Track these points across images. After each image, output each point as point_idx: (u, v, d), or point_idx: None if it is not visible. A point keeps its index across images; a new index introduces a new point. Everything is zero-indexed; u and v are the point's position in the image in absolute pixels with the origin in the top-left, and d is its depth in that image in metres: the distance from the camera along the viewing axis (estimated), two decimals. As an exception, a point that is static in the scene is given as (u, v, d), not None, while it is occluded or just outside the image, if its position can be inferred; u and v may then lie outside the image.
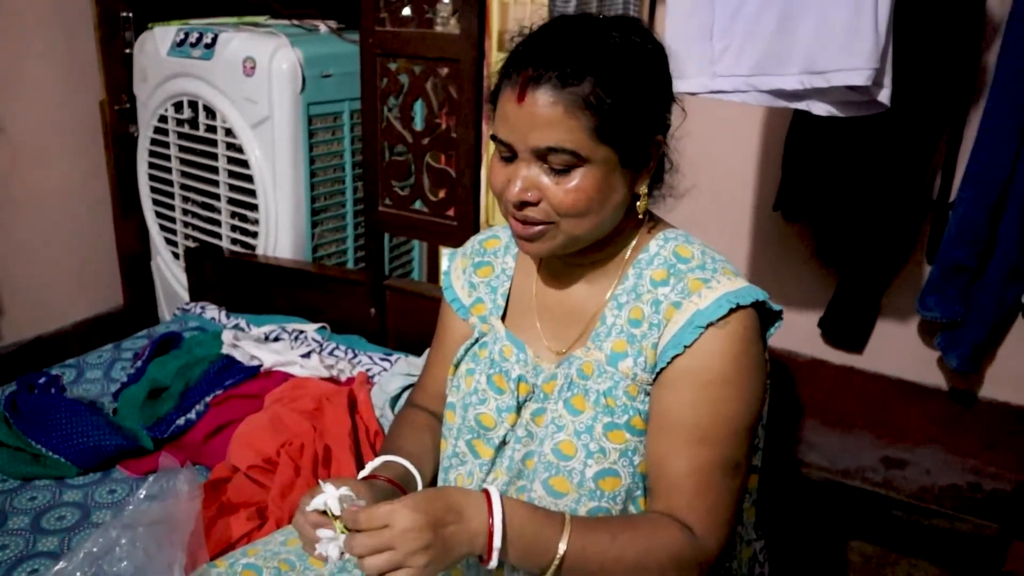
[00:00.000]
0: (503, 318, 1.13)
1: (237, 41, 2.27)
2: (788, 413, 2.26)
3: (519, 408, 1.05)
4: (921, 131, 1.82)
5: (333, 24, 2.46)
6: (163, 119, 2.48)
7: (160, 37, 2.45)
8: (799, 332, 2.16)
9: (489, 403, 1.06)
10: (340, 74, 2.31)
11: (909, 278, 2.00)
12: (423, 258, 2.75)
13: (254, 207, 2.34)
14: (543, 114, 0.90)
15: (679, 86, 1.51)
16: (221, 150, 2.35)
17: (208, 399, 1.73)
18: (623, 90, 0.91)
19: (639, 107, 0.93)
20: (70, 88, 2.68)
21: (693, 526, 0.92)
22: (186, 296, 2.48)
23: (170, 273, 2.68)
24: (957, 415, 2.05)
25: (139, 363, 1.90)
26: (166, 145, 2.51)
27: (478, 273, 1.17)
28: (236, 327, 2.11)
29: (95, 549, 1.10)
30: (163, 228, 2.66)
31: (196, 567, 1.09)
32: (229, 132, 2.31)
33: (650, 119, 0.96)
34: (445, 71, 1.84)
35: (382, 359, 1.96)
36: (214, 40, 2.31)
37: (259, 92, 2.23)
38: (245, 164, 2.31)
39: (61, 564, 1.09)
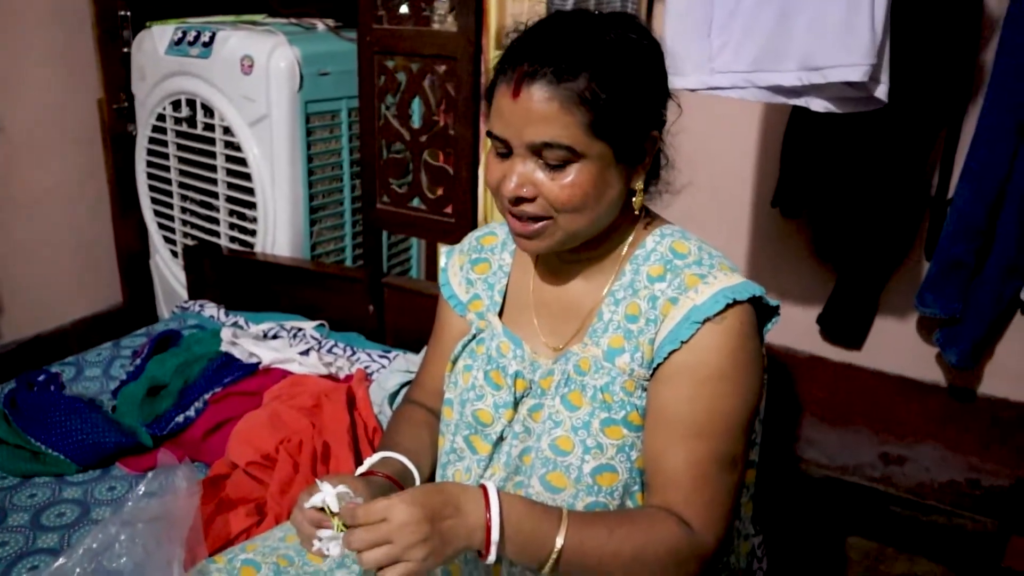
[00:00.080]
0: (500, 314, 1.13)
1: (235, 39, 2.27)
2: (787, 410, 2.27)
3: (516, 404, 1.06)
4: (919, 128, 1.82)
5: (331, 22, 2.46)
6: (161, 118, 2.49)
7: (158, 36, 2.45)
8: (798, 329, 2.16)
9: (486, 399, 1.07)
10: (338, 72, 2.31)
11: (907, 275, 2.00)
12: (421, 256, 2.75)
13: (252, 205, 2.34)
14: (538, 110, 0.90)
15: (678, 82, 1.52)
16: (219, 148, 2.35)
17: (207, 396, 1.73)
18: (618, 86, 0.91)
19: (634, 103, 0.93)
20: (68, 87, 2.68)
21: (690, 521, 0.93)
22: (185, 294, 2.48)
23: (169, 271, 2.68)
24: (956, 411, 2.05)
25: (138, 361, 1.91)
26: (164, 144, 2.51)
27: (475, 270, 1.18)
28: (235, 325, 2.12)
29: (95, 545, 1.10)
30: (162, 226, 2.66)
31: (195, 563, 1.09)
32: (227, 130, 2.32)
33: (645, 115, 0.96)
34: (443, 69, 1.84)
35: (380, 356, 1.96)
36: (212, 39, 2.31)
37: (257, 90, 2.23)
38: (243, 162, 2.31)
39: (61, 560, 1.09)
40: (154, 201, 2.64)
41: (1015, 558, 1.93)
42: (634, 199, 1.00)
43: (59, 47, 2.63)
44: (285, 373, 1.82)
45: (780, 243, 2.13)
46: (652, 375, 0.98)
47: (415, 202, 2.01)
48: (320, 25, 2.43)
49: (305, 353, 1.91)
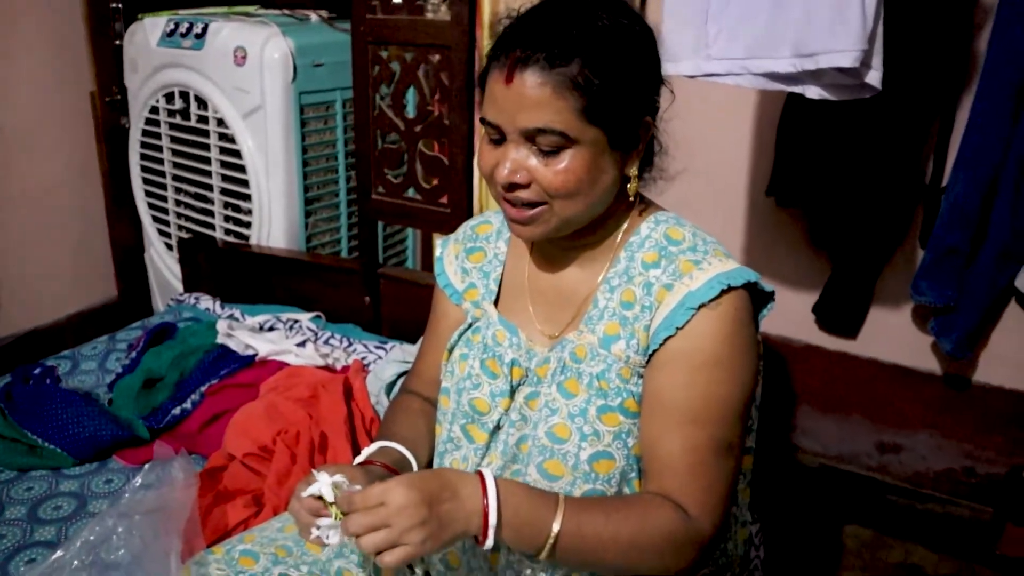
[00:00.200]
0: (496, 303, 1.13)
1: (228, 31, 2.26)
2: (783, 399, 2.27)
3: (513, 392, 1.06)
4: (913, 116, 1.83)
5: (324, 13, 2.45)
6: (154, 110, 2.48)
7: (150, 27, 2.44)
8: (793, 318, 2.17)
9: (483, 388, 1.07)
10: (331, 63, 2.30)
11: (902, 263, 2.00)
12: (417, 246, 2.74)
13: (247, 197, 2.33)
14: (531, 95, 0.90)
15: (675, 69, 1.52)
16: (213, 140, 2.34)
17: (203, 388, 1.73)
18: (611, 71, 0.91)
19: (627, 88, 0.93)
20: (60, 80, 2.67)
21: (687, 506, 0.93)
22: (180, 287, 2.47)
23: (163, 264, 2.67)
24: (951, 400, 2.06)
25: (134, 354, 1.90)
26: (158, 136, 2.50)
27: (471, 259, 1.17)
28: (231, 317, 2.11)
29: (92, 538, 1.10)
30: (156, 219, 2.65)
31: (193, 554, 1.09)
32: (221, 122, 2.31)
33: (638, 100, 0.96)
34: (437, 58, 1.84)
35: (377, 347, 1.96)
36: (204, 30, 2.30)
37: (250, 82, 2.22)
38: (237, 154, 2.30)
39: (58, 553, 1.09)
40: (148, 194, 2.63)
41: (1010, 545, 1.94)
42: (629, 185, 1.00)
43: (50, 40, 2.62)
44: (282, 365, 1.82)
45: (775, 232, 2.14)
46: (648, 362, 0.98)
47: (410, 192, 2.00)
48: (313, 16, 2.42)
49: (301, 345, 1.91)
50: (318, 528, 0.90)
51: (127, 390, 1.76)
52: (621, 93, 0.92)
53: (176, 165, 2.49)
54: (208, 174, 2.40)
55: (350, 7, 1.92)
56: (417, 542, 0.83)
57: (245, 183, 2.32)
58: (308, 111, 2.30)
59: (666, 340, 0.96)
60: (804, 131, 1.91)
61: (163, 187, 2.56)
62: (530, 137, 0.92)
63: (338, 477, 0.91)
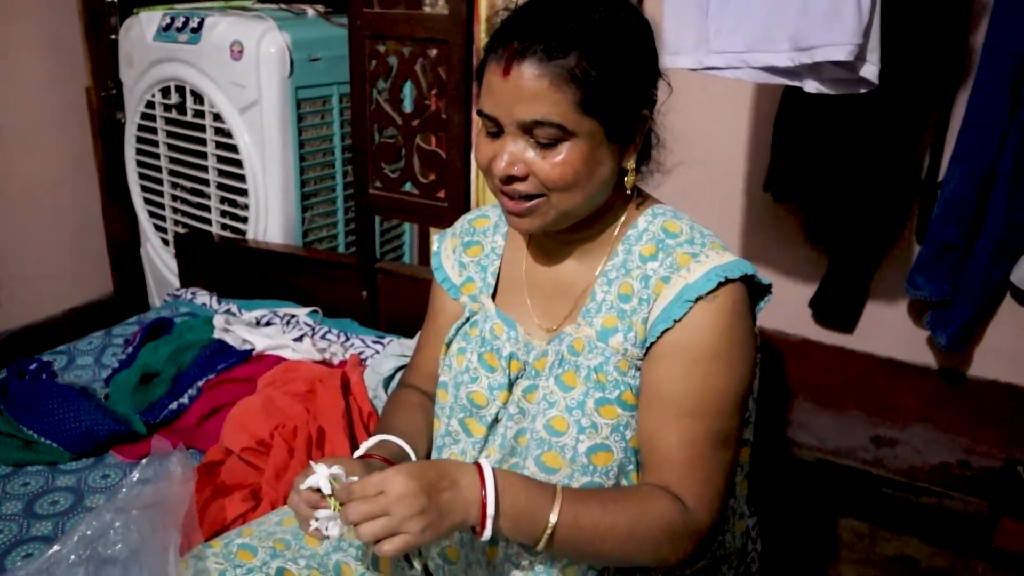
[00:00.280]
0: (494, 297, 1.13)
1: (224, 25, 2.25)
2: (779, 393, 2.28)
3: (511, 386, 1.06)
4: (909, 111, 1.83)
5: (320, 7, 2.45)
6: (150, 105, 2.47)
7: (146, 22, 2.43)
8: (790, 313, 2.17)
9: (481, 381, 1.07)
10: (328, 58, 2.29)
11: (898, 258, 2.01)
12: (414, 241, 2.74)
13: (244, 192, 2.33)
14: (529, 87, 0.90)
15: (677, 62, 1.53)
16: (209, 135, 2.34)
17: (200, 383, 1.72)
18: (608, 63, 0.91)
19: (624, 80, 0.93)
20: (55, 75, 2.66)
21: (685, 498, 0.93)
22: (176, 282, 2.47)
23: (160, 259, 2.67)
24: (947, 393, 2.07)
25: (130, 349, 1.90)
26: (154, 131, 2.49)
27: (468, 253, 1.17)
28: (227, 312, 2.11)
29: (89, 532, 1.10)
30: (152, 215, 2.64)
31: (191, 548, 1.09)
32: (217, 117, 2.30)
33: (636, 93, 0.96)
34: (434, 52, 1.83)
35: (374, 342, 1.96)
36: (200, 24, 2.29)
37: (247, 76, 2.21)
38: (234, 149, 2.30)
39: (55, 548, 1.09)
40: (144, 189, 2.63)
41: (1005, 538, 1.95)
42: (626, 178, 1.00)
43: (45, 35, 2.61)
44: (279, 359, 1.82)
45: (772, 226, 2.14)
46: (645, 354, 0.99)
47: (407, 187, 2.00)
48: (310, 10, 2.42)
49: (299, 339, 1.91)
50: (317, 520, 0.90)
51: (124, 385, 1.76)
52: (618, 86, 0.92)
53: (172, 160, 2.48)
54: (204, 169, 2.39)
55: (347, 1, 1.92)
56: (416, 531, 0.83)
57: (241, 178, 2.31)
58: (305, 106, 2.29)
59: (664, 333, 0.96)
60: (801, 126, 1.91)
61: (159, 182, 2.55)
62: (527, 129, 0.92)
63: (336, 469, 0.91)
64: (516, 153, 0.94)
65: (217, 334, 1.89)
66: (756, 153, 2.09)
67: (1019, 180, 1.71)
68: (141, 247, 2.78)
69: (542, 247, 1.10)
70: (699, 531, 0.94)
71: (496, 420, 1.06)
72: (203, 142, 2.36)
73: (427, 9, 1.85)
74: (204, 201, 2.45)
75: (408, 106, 1.97)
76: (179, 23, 2.34)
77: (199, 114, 2.34)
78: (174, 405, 1.69)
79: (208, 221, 2.45)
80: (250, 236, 2.35)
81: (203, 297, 2.22)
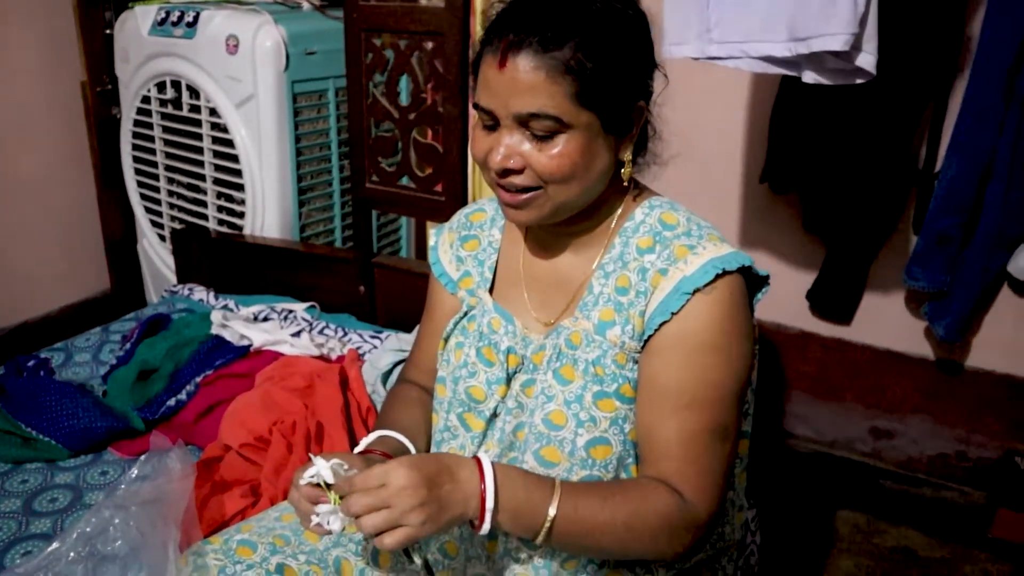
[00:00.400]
0: (491, 291, 1.13)
1: (219, 19, 2.25)
2: (777, 386, 2.28)
3: (509, 380, 1.06)
4: (906, 102, 1.82)
5: (316, 1, 2.44)
6: (146, 100, 2.46)
7: (141, 16, 2.42)
8: (787, 305, 2.17)
9: (479, 376, 1.07)
10: (324, 51, 2.29)
11: (896, 249, 2.01)
12: (411, 235, 2.74)
13: (240, 187, 2.32)
14: (525, 79, 0.90)
15: (679, 51, 1.52)
16: (206, 130, 2.33)
17: (198, 379, 1.72)
18: (604, 55, 0.91)
19: (621, 72, 0.93)
20: (50, 71, 2.65)
21: (683, 491, 0.93)
22: (173, 278, 2.46)
23: (156, 256, 2.66)
24: (944, 384, 2.07)
25: (128, 345, 1.89)
26: (150, 126, 2.48)
27: (465, 247, 1.17)
28: (225, 308, 2.11)
29: (88, 529, 1.10)
30: (148, 210, 2.63)
31: (190, 544, 1.09)
32: (213, 112, 2.29)
33: (632, 84, 0.95)
34: (430, 45, 1.83)
35: (372, 336, 1.96)
36: (196, 18, 2.28)
37: (243, 70, 2.20)
38: (230, 144, 2.29)
39: (55, 545, 1.09)
40: (140, 185, 2.62)
41: (1003, 528, 1.96)
42: (623, 170, 1.00)
43: (40, 29, 2.60)
44: (277, 355, 1.81)
45: (769, 218, 2.14)
46: (643, 347, 0.98)
47: (404, 181, 1.99)
48: (305, 4, 2.41)
49: (296, 335, 1.91)
50: (317, 515, 0.90)
51: (122, 381, 1.76)
52: (614, 77, 0.92)
53: (168, 155, 2.47)
54: (201, 164, 2.38)
55: (342, -6, 1.91)
56: (417, 523, 0.83)
57: (238, 173, 2.31)
58: (301, 100, 2.28)
59: (661, 325, 0.96)
60: (798, 117, 1.90)
61: (155, 177, 2.54)
62: (524, 122, 0.92)
63: (335, 461, 0.91)
64: (512, 146, 0.94)
65: (215, 330, 1.89)
66: (753, 144, 2.09)
67: (1016, 170, 1.71)
68: (138, 243, 2.78)
69: (539, 240, 1.09)
70: (698, 523, 0.94)
71: (495, 414, 1.06)
72: (199, 137, 2.35)
73: (423, 2, 1.85)
74: (201, 196, 2.44)
75: (404, 99, 1.96)
76: (174, 17, 2.33)
77: (195, 109, 2.33)
78: (172, 401, 1.69)
79: (205, 216, 2.44)
80: (247, 231, 2.35)
81: (200, 293, 2.21)
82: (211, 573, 1.01)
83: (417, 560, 0.98)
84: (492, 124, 0.95)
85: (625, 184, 1.02)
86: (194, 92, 2.32)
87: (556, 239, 1.07)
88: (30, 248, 2.70)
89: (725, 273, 0.95)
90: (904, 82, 1.77)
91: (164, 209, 2.56)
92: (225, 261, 2.31)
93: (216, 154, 2.34)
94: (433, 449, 1.13)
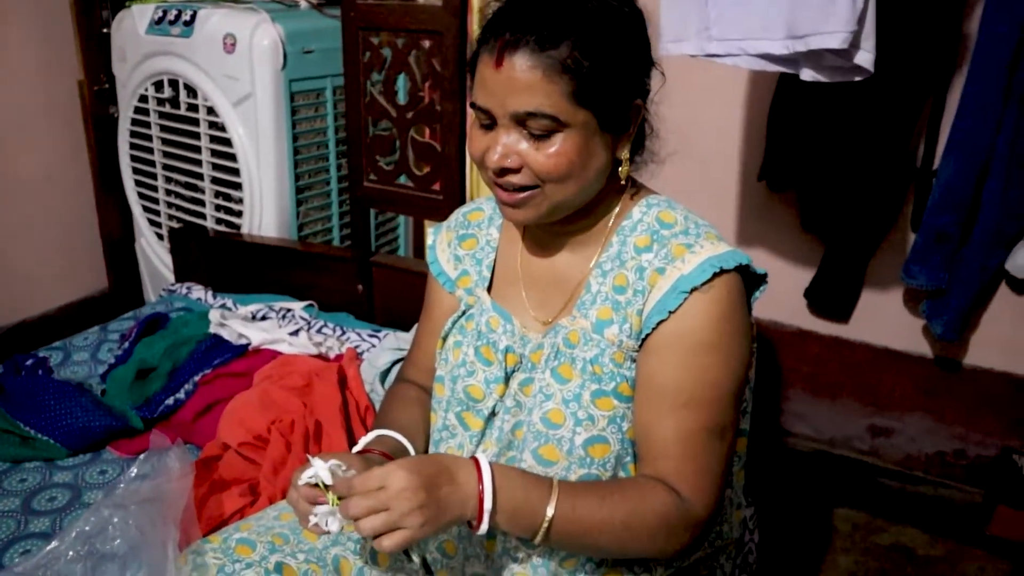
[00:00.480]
0: (489, 290, 1.13)
1: (216, 18, 2.24)
2: (775, 384, 2.28)
3: (507, 379, 1.06)
4: (904, 99, 1.83)
5: (313, -1, 2.44)
6: (143, 99, 2.45)
7: (138, 15, 2.42)
8: (785, 303, 2.17)
9: (477, 375, 1.07)
10: (322, 50, 2.29)
11: (894, 247, 2.01)
12: (409, 234, 2.74)
13: (238, 186, 2.32)
14: (521, 79, 0.90)
15: (679, 48, 1.52)
16: (203, 129, 2.33)
17: (197, 378, 1.72)
18: (601, 53, 0.91)
19: (617, 70, 0.93)
20: (47, 70, 2.64)
21: (681, 489, 0.93)
22: (171, 277, 2.46)
23: (154, 254, 2.66)
24: (942, 382, 2.07)
25: (126, 344, 1.89)
26: (147, 125, 2.48)
27: (463, 246, 1.17)
28: (223, 307, 2.11)
29: (87, 528, 1.10)
30: (146, 209, 2.63)
31: (190, 543, 1.09)
32: (211, 111, 2.29)
33: (629, 83, 0.95)
34: (428, 44, 1.82)
35: (370, 335, 1.96)
36: (193, 17, 2.28)
37: (240, 69, 2.20)
38: (228, 143, 2.29)
39: (54, 543, 1.09)
40: (138, 184, 2.62)
41: (1001, 526, 1.96)
42: (620, 169, 1.00)
43: (37, 28, 2.59)
44: (275, 354, 1.81)
45: (767, 216, 2.14)
46: (641, 346, 0.98)
47: (402, 179, 1.99)
48: (302, 2, 2.40)
49: (295, 334, 1.91)
50: (316, 516, 0.90)
51: (120, 380, 1.75)
52: (611, 75, 0.92)
53: (166, 154, 2.47)
54: (198, 163, 2.38)
55: (340, -8, 1.91)
56: (416, 525, 0.83)
57: (236, 172, 2.30)
58: (298, 98, 2.28)
59: (659, 324, 0.96)
60: (796, 114, 1.91)
61: (153, 176, 2.54)
62: (521, 121, 0.92)
63: (333, 462, 0.91)
64: (510, 145, 0.94)
65: (213, 329, 1.89)
66: (751, 142, 2.09)
67: (1014, 168, 1.71)
68: (135, 242, 2.77)
69: (537, 239, 1.09)
70: (696, 522, 0.94)
71: (493, 413, 1.06)
72: (197, 136, 2.35)
73: (420, 0, 1.84)
74: (198, 195, 2.44)
75: (402, 98, 1.96)
76: (171, 16, 2.32)
77: (193, 108, 2.33)
78: (171, 400, 1.69)
79: (203, 215, 2.44)
80: (245, 230, 2.35)
81: (198, 292, 2.21)
82: (210, 572, 1.01)
83: (416, 559, 0.98)
84: (489, 123, 0.95)
85: (623, 183, 1.02)
86: (191, 91, 2.32)
87: (554, 238, 1.07)
88: (28, 247, 2.70)
89: (723, 272, 0.95)
90: (902, 80, 1.77)
91: (162, 208, 2.56)
92: (223, 260, 2.31)
93: (214, 153, 2.34)
94: (431, 448, 1.14)
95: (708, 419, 0.95)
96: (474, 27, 1.80)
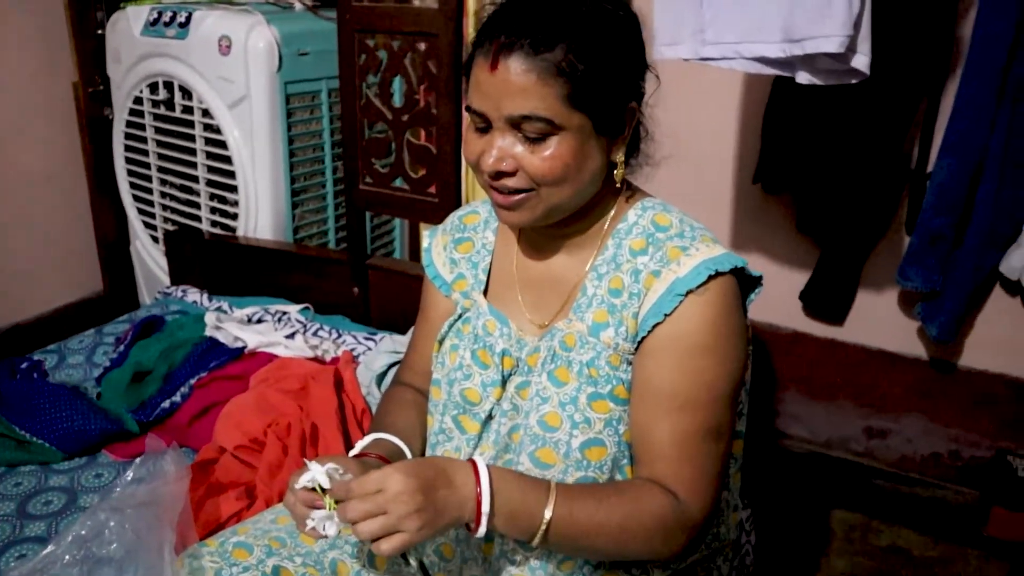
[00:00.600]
0: (485, 293, 1.13)
1: (212, 19, 2.24)
2: (771, 386, 2.28)
3: (504, 382, 1.06)
4: (899, 102, 1.83)
5: (308, 1, 2.43)
6: (138, 101, 2.45)
7: (133, 16, 2.41)
8: (780, 305, 2.18)
9: (474, 378, 1.07)
10: (317, 52, 2.28)
11: (889, 249, 2.02)
12: (404, 236, 2.74)
13: (233, 189, 2.32)
14: (516, 82, 0.90)
15: (673, 52, 1.53)
16: (198, 131, 2.32)
17: (192, 381, 1.72)
18: (595, 56, 0.91)
19: (612, 73, 0.93)
20: (42, 71, 2.64)
21: (677, 491, 0.94)
22: (166, 280, 2.45)
23: (149, 257, 2.65)
24: (937, 384, 2.08)
25: (121, 347, 1.89)
26: (142, 127, 2.47)
27: (459, 249, 1.17)
28: (218, 310, 2.10)
29: (83, 532, 1.09)
30: (141, 212, 2.62)
31: (186, 547, 1.09)
32: (206, 113, 2.29)
33: (623, 86, 0.96)
34: (423, 46, 1.82)
35: (366, 338, 1.95)
36: (188, 19, 2.27)
37: (235, 71, 2.20)
38: (223, 145, 2.28)
39: (50, 548, 1.08)
40: (133, 186, 2.61)
41: (996, 527, 1.97)
42: (616, 171, 1.00)
43: (31, 30, 2.59)
44: (271, 357, 1.81)
45: (762, 219, 2.14)
46: (637, 349, 0.99)
47: (398, 182, 1.99)
48: (298, 4, 2.40)
49: (291, 336, 1.90)
50: (313, 520, 0.90)
51: (116, 384, 1.75)
52: (606, 78, 0.92)
53: (161, 156, 2.46)
54: (194, 165, 2.38)
55: (335, -5, 1.91)
56: (414, 529, 0.83)
57: (231, 174, 2.30)
58: (294, 101, 2.28)
59: (654, 327, 0.96)
60: (791, 117, 1.91)
61: (148, 179, 2.53)
62: (516, 124, 0.92)
63: (330, 465, 0.91)
64: (505, 148, 0.94)
65: (208, 332, 1.88)
66: (746, 145, 2.10)
67: (1008, 169, 1.72)
68: (131, 244, 2.77)
69: (533, 242, 1.09)
70: (692, 524, 0.94)
71: (490, 417, 1.06)
72: (192, 138, 2.34)
73: (416, 2, 1.85)
74: (194, 198, 2.43)
75: (398, 101, 1.96)
76: (166, 18, 2.32)
77: (188, 110, 2.33)
78: (166, 403, 1.69)
79: (198, 218, 2.44)
80: (240, 233, 2.34)
81: (194, 295, 2.21)
82: (207, 575, 1.01)
83: (413, 562, 0.98)
84: (484, 126, 0.95)
85: (618, 185, 1.02)
86: (186, 93, 2.31)
87: (549, 241, 1.07)
88: (23, 249, 2.69)
89: (718, 274, 0.95)
90: (896, 82, 1.78)
91: (157, 210, 2.55)
92: (218, 263, 2.30)
93: (209, 155, 2.33)
94: (428, 451, 1.14)
95: (704, 421, 0.95)
96: (469, 30, 1.80)
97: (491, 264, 1.14)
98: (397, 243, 2.73)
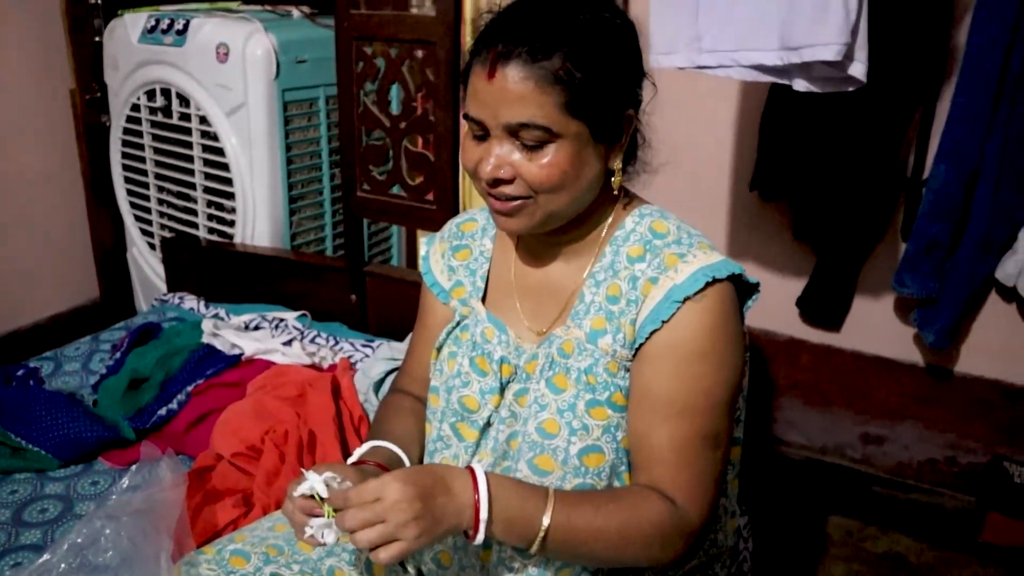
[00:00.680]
0: (483, 300, 1.13)
1: (209, 27, 2.25)
2: (767, 393, 2.29)
3: (502, 389, 1.06)
4: (895, 109, 1.84)
5: (306, 8, 2.44)
6: (136, 108, 2.45)
7: (130, 24, 2.42)
8: (777, 312, 2.18)
9: (472, 385, 1.07)
10: (315, 59, 2.29)
11: (885, 256, 2.02)
12: (402, 243, 2.74)
13: (231, 196, 2.32)
14: (514, 90, 0.90)
15: (669, 60, 1.53)
16: (196, 138, 2.32)
17: (189, 388, 1.72)
18: (593, 64, 0.91)
19: (609, 81, 0.93)
20: (39, 78, 2.64)
21: (676, 498, 0.94)
22: (163, 287, 2.45)
23: (146, 264, 2.65)
24: (934, 390, 2.08)
25: (118, 354, 1.89)
26: (139, 134, 2.47)
27: (456, 256, 1.17)
28: (215, 317, 2.10)
29: (79, 540, 1.09)
30: (138, 219, 2.63)
31: (183, 555, 1.09)
32: (204, 120, 2.29)
33: (621, 93, 0.96)
34: (421, 54, 1.83)
35: (364, 345, 1.95)
36: (186, 26, 2.28)
37: (233, 79, 2.20)
38: (221, 152, 2.29)
39: (46, 556, 1.08)
40: (130, 193, 2.61)
41: (993, 533, 1.97)
42: (613, 179, 1.00)
43: (28, 37, 2.59)
44: (268, 364, 1.81)
45: (759, 226, 2.15)
46: (634, 355, 0.99)
47: (395, 189, 2.00)
48: (295, 12, 2.41)
49: (288, 343, 1.90)
50: (311, 528, 0.90)
51: (112, 391, 1.75)
52: (603, 86, 0.93)
53: (158, 163, 2.47)
54: (191, 172, 2.38)
55: (333, 2, 1.91)
56: (412, 537, 0.83)
57: (228, 181, 2.30)
58: (292, 108, 2.28)
59: (652, 334, 0.96)
60: (787, 124, 1.92)
61: (145, 186, 2.53)
62: (513, 132, 0.93)
63: (328, 474, 0.91)
64: (502, 156, 0.94)
65: (205, 339, 1.88)
66: (742, 152, 2.10)
67: (1003, 177, 1.72)
68: (127, 251, 2.77)
69: (530, 249, 1.10)
70: (690, 530, 0.94)
71: (488, 424, 1.06)
72: (189, 145, 2.35)
73: (414, 10, 1.85)
74: (191, 205, 2.43)
75: (395, 108, 1.96)
76: (164, 25, 2.32)
77: (185, 117, 2.33)
78: (163, 411, 1.68)
79: (195, 225, 2.44)
80: (237, 240, 2.34)
81: (191, 302, 2.21)
82: (204, 583, 1.00)
83: (411, 570, 0.98)
84: (482, 134, 0.95)
85: (615, 193, 1.03)
86: (184, 100, 2.32)
87: (547, 248, 1.07)
88: (20, 256, 2.69)
89: (715, 281, 0.96)
90: (892, 89, 1.79)
91: (154, 217, 2.55)
92: (215, 270, 2.30)
93: (206, 162, 2.34)
94: (426, 459, 1.13)
95: (702, 427, 0.96)
96: (467, 37, 1.80)
97: (489, 271, 1.14)
98: (394, 250, 2.73)
